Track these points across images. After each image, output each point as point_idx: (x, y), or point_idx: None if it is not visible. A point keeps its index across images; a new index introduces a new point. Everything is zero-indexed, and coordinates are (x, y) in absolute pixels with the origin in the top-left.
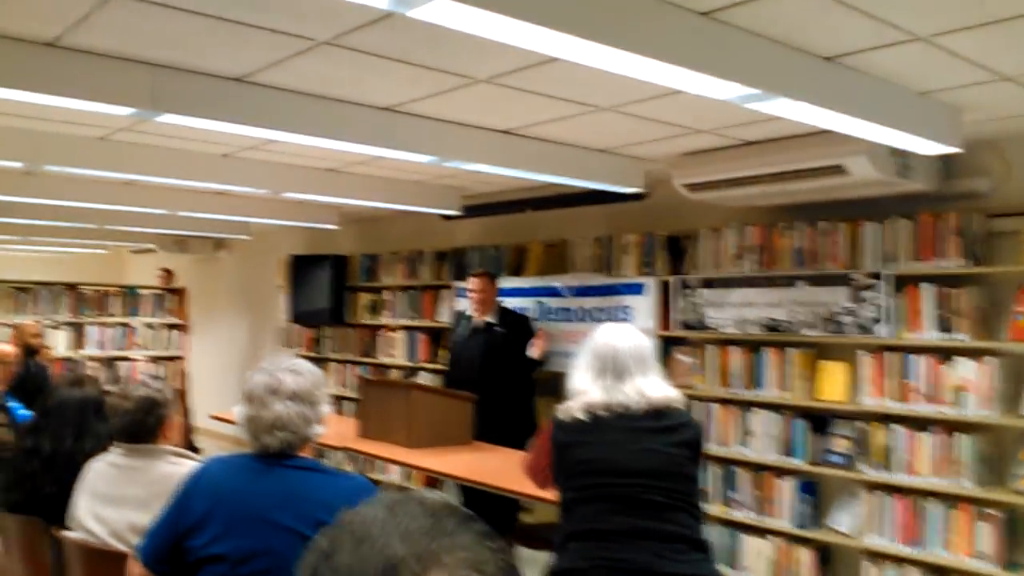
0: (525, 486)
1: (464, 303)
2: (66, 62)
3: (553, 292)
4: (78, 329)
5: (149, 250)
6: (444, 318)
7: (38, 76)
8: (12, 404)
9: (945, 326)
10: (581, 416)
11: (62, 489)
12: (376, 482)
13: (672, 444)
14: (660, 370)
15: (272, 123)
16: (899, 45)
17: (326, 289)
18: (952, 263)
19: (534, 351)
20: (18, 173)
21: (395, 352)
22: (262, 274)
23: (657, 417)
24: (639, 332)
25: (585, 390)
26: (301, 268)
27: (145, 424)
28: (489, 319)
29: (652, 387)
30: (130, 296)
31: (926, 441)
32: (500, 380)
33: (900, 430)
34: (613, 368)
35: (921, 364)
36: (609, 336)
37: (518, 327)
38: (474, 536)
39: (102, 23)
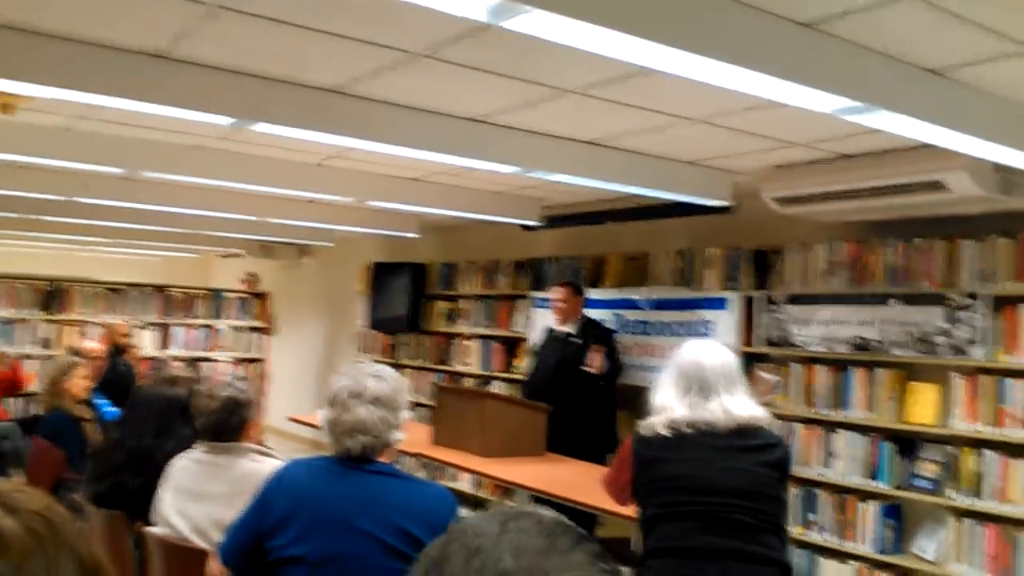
0: (598, 499)
1: (541, 313)
2: (173, 73)
3: (632, 305)
4: (164, 330)
5: (236, 255)
6: (520, 328)
7: (146, 86)
8: (99, 401)
9: None
10: (664, 432)
11: (145, 484)
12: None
13: (759, 464)
14: (747, 388)
15: (364, 133)
16: (1008, 58)
17: (404, 296)
18: None
19: (589, 366)
20: (117, 178)
21: (470, 360)
22: (343, 281)
23: (743, 436)
24: (726, 349)
25: (670, 406)
26: (381, 275)
27: (229, 423)
28: (569, 329)
29: (738, 405)
30: (216, 299)
31: (1020, 468)
32: (574, 391)
33: (992, 456)
34: (699, 385)
35: (1017, 388)
36: (695, 352)
37: (596, 340)
38: (586, 556)
39: (208, 35)
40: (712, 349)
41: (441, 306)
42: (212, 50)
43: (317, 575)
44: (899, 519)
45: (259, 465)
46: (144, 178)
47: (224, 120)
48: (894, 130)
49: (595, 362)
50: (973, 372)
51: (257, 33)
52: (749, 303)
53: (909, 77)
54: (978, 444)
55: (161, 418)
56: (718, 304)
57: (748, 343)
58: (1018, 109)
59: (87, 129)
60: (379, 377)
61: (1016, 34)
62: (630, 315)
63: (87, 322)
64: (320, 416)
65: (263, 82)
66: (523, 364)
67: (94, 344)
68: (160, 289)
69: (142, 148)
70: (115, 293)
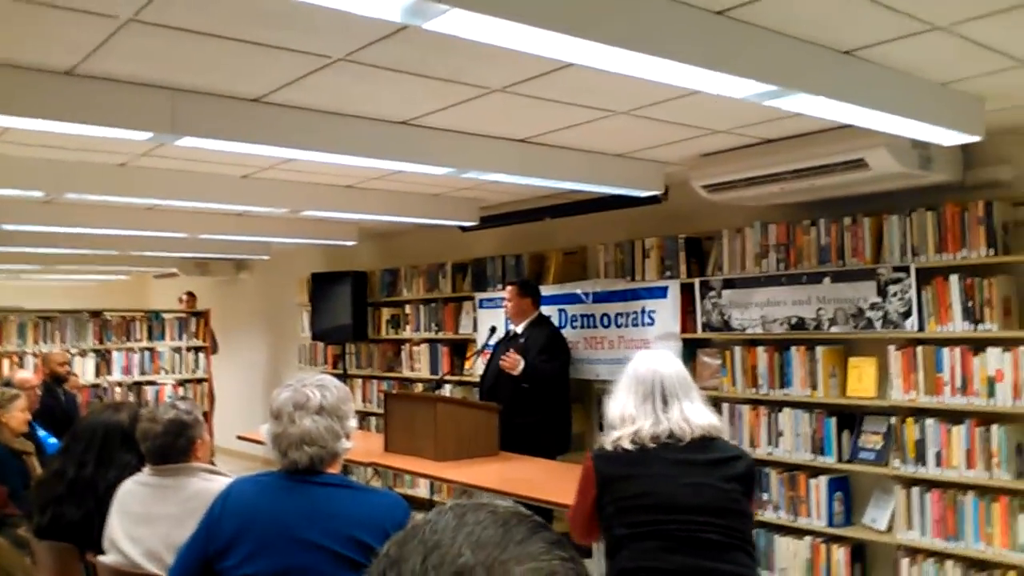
0: (554, 494)
1: (487, 313)
2: (85, 90)
3: (575, 299)
4: (104, 355)
5: (172, 274)
6: (467, 329)
7: (57, 105)
8: (41, 433)
9: (974, 317)
10: (628, 446)
11: (87, 515)
12: (404, 497)
13: (724, 478)
14: (702, 396)
15: (290, 142)
16: (918, 35)
17: (347, 305)
18: (978, 253)
19: (505, 366)
20: (39, 202)
21: (418, 366)
22: (283, 294)
23: (705, 448)
24: (677, 359)
25: (631, 415)
26: (322, 286)
27: (176, 446)
28: (518, 329)
29: (697, 413)
30: (154, 320)
31: (959, 434)
32: (522, 389)
33: (932, 424)
34: (661, 393)
35: (951, 356)
36: (651, 361)
37: (538, 336)
38: (545, 545)
39: (118, 50)
40: (667, 358)
41: (386, 313)
42: (125, 64)
43: None
44: (848, 492)
45: (210, 484)
46: (66, 200)
47: (142, 135)
48: (812, 112)
49: (506, 363)
50: (908, 344)
51: (171, 45)
52: (688, 290)
53: (822, 59)
54: (918, 413)
55: (102, 446)
56: (658, 293)
57: (689, 329)
58: (929, 86)
59: (1, 152)
60: (322, 387)
61: (920, 13)
62: (574, 309)
63: (22, 353)
64: (264, 430)
65: (181, 94)
66: (471, 366)
67: (29, 375)
68: (95, 314)
69: (61, 169)
70: (48, 321)
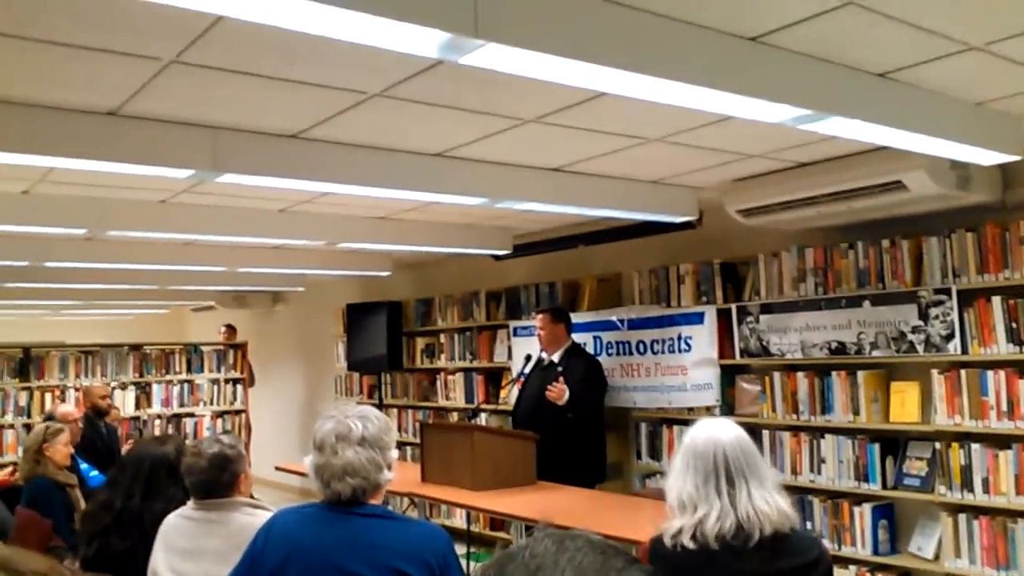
0: (594, 524)
1: (521, 342)
2: (128, 130)
3: (610, 326)
4: (143, 388)
5: (209, 307)
6: (501, 358)
7: (101, 145)
8: (83, 466)
9: (1019, 339)
10: (688, 544)
11: (132, 547)
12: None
13: None
14: (775, 476)
15: (327, 176)
16: (952, 56)
17: (382, 335)
18: (1021, 274)
19: (552, 396)
20: (81, 239)
21: (453, 395)
22: (319, 325)
23: (776, 551)
24: (737, 426)
25: (692, 500)
26: (357, 316)
27: (220, 481)
28: (552, 357)
29: (767, 501)
30: (193, 353)
31: (1007, 459)
32: (559, 418)
33: (979, 449)
34: (725, 470)
35: (996, 379)
36: (710, 430)
37: (577, 366)
38: (641, 574)
39: (160, 90)
40: (725, 426)
41: (420, 342)
42: (167, 104)
43: None
44: (893, 519)
45: (253, 519)
46: (108, 237)
47: (182, 173)
48: (847, 135)
49: (552, 393)
50: (951, 367)
51: (211, 84)
52: (725, 315)
53: (857, 82)
54: (963, 438)
55: (149, 478)
56: (694, 319)
57: (727, 355)
58: (964, 106)
59: (46, 192)
60: (364, 418)
61: (954, 34)
62: (609, 336)
63: (64, 386)
64: (307, 462)
65: (221, 132)
66: (507, 395)
67: (70, 408)
68: (135, 348)
69: (103, 207)
70: (90, 355)
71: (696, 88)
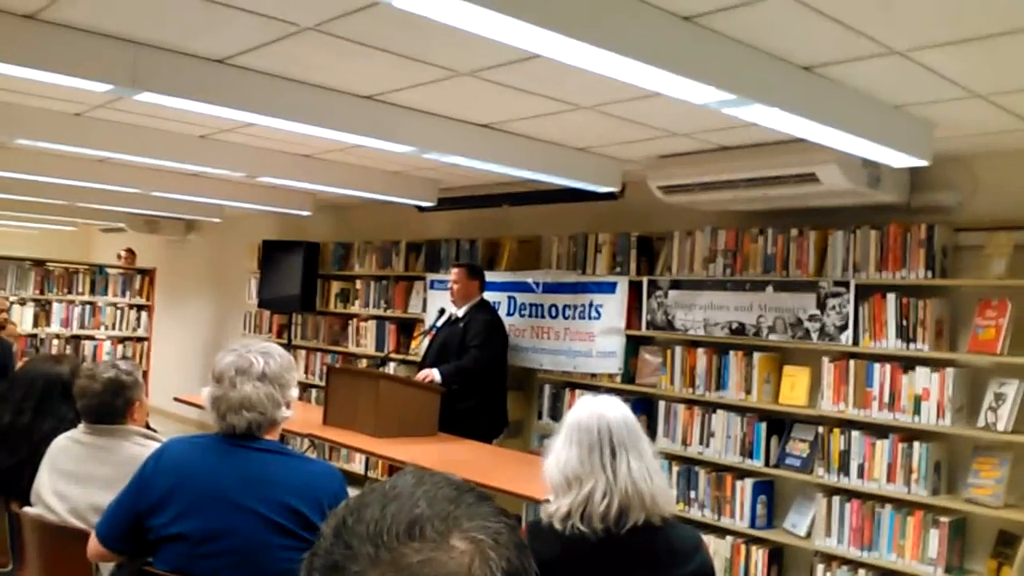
0: (490, 477)
1: (437, 295)
2: (47, 36)
3: (525, 287)
4: (43, 306)
5: (119, 229)
6: (416, 309)
7: (18, 49)
8: None
9: (907, 336)
10: (580, 527)
11: (19, 463)
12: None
13: None
14: (656, 454)
15: (252, 106)
16: (875, 58)
17: (297, 276)
18: (916, 274)
19: (419, 379)
20: None
21: (365, 341)
22: (232, 258)
23: (651, 532)
24: (624, 404)
25: (576, 474)
26: (272, 253)
27: (113, 406)
28: (459, 312)
29: (646, 480)
30: (98, 275)
31: (883, 448)
32: None
33: (858, 436)
34: (608, 440)
35: (882, 372)
36: (594, 407)
37: (477, 321)
38: (493, 510)
39: None
40: (612, 403)
41: (335, 286)
42: (89, 13)
43: (199, 552)
44: (772, 495)
45: (143, 449)
46: (17, 145)
47: (100, 87)
48: (767, 124)
49: (420, 375)
50: (841, 356)
51: None
52: (636, 287)
53: (782, 72)
54: (845, 425)
55: (41, 396)
56: (607, 288)
57: (633, 326)
58: (883, 107)
59: None
60: (267, 354)
61: (879, 36)
62: (523, 298)
63: None
64: (205, 393)
65: (144, 49)
66: (418, 345)
67: None
68: (38, 263)
69: (14, 114)
70: None
71: (626, 60)
